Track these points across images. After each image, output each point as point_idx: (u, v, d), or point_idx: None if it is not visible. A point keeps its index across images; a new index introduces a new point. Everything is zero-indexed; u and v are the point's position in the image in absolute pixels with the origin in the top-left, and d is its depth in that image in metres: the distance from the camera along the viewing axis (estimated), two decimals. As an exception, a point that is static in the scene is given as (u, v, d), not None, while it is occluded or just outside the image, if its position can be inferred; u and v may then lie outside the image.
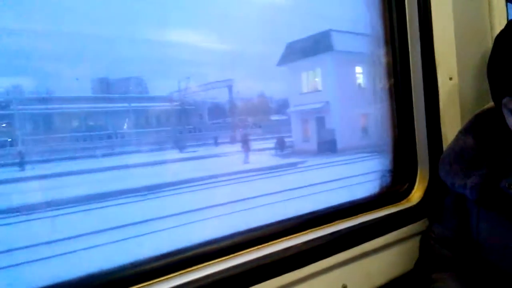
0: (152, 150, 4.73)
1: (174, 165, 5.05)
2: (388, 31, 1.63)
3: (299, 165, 6.81)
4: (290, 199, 4.40)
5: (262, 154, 6.59)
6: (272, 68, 5.85)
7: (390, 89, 1.65)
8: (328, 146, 6.86)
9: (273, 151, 7.01)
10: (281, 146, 7.16)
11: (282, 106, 7.04)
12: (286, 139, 7.24)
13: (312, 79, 6.81)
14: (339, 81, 6.46)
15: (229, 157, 5.96)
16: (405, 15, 1.58)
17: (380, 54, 1.66)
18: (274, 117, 6.97)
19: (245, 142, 5.78)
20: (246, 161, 5.82)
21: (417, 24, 1.54)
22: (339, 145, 6.68)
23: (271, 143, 6.99)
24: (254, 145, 6.16)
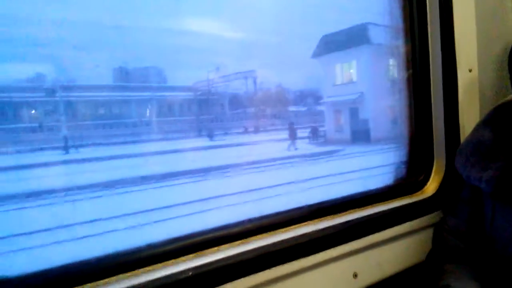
0: (184, 138, 4.86)
1: (219, 151, 5.23)
2: (407, 22, 1.61)
3: (337, 153, 6.88)
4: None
5: (298, 143, 6.72)
6: (307, 60, 5.86)
7: (408, 80, 1.64)
8: (361, 136, 6.83)
9: (306, 140, 7.11)
10: (314, 135, 7.27)
11: (316, 97, 7.05)
12: (320, 129, 7.26)
13: (347, 70, 6.74)
14: (372, 73, 6.37)
15: (269, 144, 6.20)
16: (425, 5, 1.56)
17: (399, 45, 1.65)
18: (304, 108, 7.05)
19: (291, 130, 6.27)
20: (288, 149, 6.23)
21: (438, 14, 1.51)
22: (372, 135, 6.61)
23: (304, 133, 7.07)
24: (286, 134, 6.31)
